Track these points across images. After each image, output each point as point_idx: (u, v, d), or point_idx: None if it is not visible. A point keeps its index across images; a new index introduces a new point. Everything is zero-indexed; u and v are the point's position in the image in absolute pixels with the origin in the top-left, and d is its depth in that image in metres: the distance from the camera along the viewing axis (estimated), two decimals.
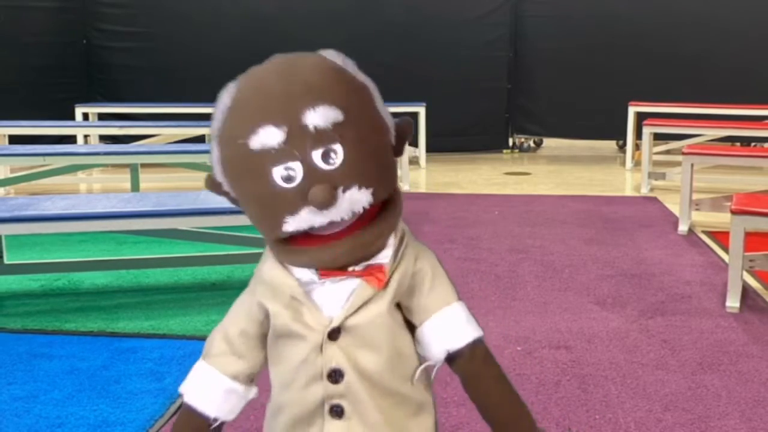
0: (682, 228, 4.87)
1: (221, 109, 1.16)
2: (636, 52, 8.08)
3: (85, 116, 7.66)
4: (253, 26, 8.29)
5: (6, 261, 3.69)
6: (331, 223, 1.09)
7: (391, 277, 1.17)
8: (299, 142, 1.06)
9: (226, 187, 1.17)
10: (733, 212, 3.42)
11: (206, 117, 8.34)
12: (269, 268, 1.20)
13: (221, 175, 1.17)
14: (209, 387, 1.24)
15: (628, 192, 6.52)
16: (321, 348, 1.17)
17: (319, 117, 1.06)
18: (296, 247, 1.13)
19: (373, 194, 1.10)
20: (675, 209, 5.30)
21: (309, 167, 1.07)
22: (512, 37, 8.47)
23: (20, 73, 7.85)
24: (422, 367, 1.22)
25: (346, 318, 1.16)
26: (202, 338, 3.25)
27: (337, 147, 1.07)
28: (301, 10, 8.32)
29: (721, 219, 4.66)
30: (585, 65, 8.27)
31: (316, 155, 1.07)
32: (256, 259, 4.08)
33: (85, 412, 2.49)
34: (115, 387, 2.67)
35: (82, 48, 8.51)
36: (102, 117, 7.86)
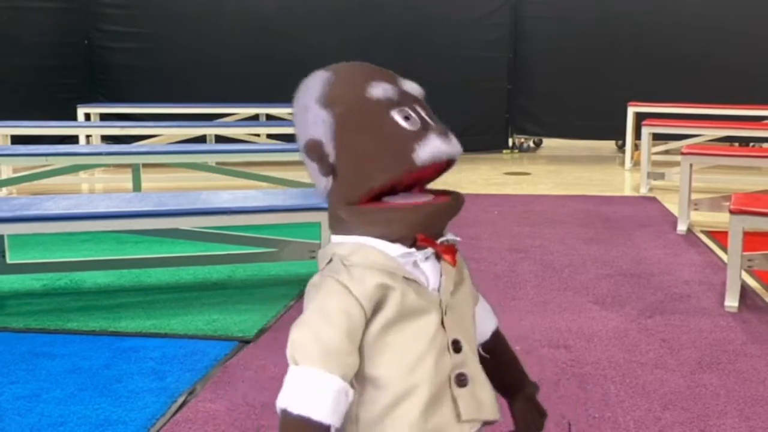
0: (681, 228, 4.88)
1: (321, 79, 1.21)
2: (635, 53, 8.11)
3: (87, 116, 7.68)
4: (253, 27, 8.31)
5: (8, 260, 3.69)
6: (450, 157, 1.18)
7: (461, 262, 1.27)
8: (407, 98, 1.20)
9: (327, 148, 1.19)
10: (732, 212, 3.43)
11: (208, 117, 8.39)
12: (368, 255, 1.18)
13: (325, 136, 1.19)
14: (320, 392, 1.13)
15: (628, 192, 6.54)
16: (442, 321, 1.21)
17: (414, 87, 1.23)
18: (401, 206, 1.18)
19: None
20: (674, 209, 5.31)
21: (420, 115, 1.19)
22: (512, 37, 8.49)
23: (22, 74, 7.86)
24: (478, 343, 1.34)
25: (451, 294, 1.23)
26: (204, 337, 3.26)
27: (428, 113, 1.21)
28: (302, 11, 8.34)
29: (720, 219, 4.66)
30: (584, 66, 8.28)
31: (420, 109, 1.20)
32: (257, 258, 4.05)
33: (87, 410, 2.49)
34: (116, 386, 2.67)
35: (84, 48, 8.53)
36: (104, 117, 7.87)
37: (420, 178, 1.22)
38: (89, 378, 2.74)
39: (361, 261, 1.17)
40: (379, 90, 1.18)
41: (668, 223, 5.14)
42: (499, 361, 1.39)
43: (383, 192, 1.19)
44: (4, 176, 6.33)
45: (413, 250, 1.19)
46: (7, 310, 3.53)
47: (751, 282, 3.81)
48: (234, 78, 8.24)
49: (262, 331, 3.18)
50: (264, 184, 5.84)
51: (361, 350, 1.17)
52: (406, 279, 1.18)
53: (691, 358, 2.90)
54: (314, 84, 1.21)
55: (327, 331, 1.15)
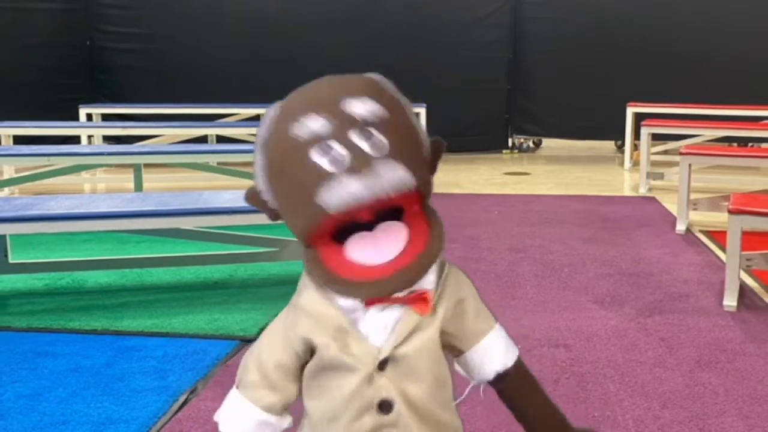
0: (680, 227, 4.89)
1: (269, 118, 1.15)
2: (634, 54, 8.11)
3: (89, 117, 7.69)
4: (255, 28, 8.32)
5: (11, 260, 3.69)
6: (372, 196, 1.05)
7: (437, 304, 1.18)
8: (340, 124, 1.08)
9: (266, 195, 1.16)
10: (731, 212, 3.44)
11: (209, 117, 8.40)
12: (310, 299, 1.17)
13: (263, 183, 1.16)
14: (243, 418, 1.23)
15: (627, 192, 6.54)
16: (371, 379, 1.15)
17: (361, 105, 1.09)
18: (349, 278, 1.09)
19: (417, 180, 1.09)
20: (673, 209, 5.31)
21: (348, 144, 1.06)
22: (512, 38, 8.50)
23: (25, 74, 7.87)
24: (469, 388, 1.27)
25: (395, 348, 1.15)
26: (205, 336, 3.27)
27: (377, 133, 1.08)
28: (303, 12, 8.34)
29: (719, 218, 4.66)
30: (584, 66, 8.29)
31: (355, 136, 1.07)
32: (258, 258, 4.05)
33: (89, 409, 2.49)
34: (118, 385, 2.67)
35: (86, 49, 8.54)
36: (105, 118, 7.88)
37: (364, 214, 1.09)
38: (91, 377, 2.74)
39: (302, 303, 1.18)
40: (302, 128, 1.08)
41: (667, 222, 5.15)
42: (516, 405, 1.30)
43: (331, 229, 1.09)
44: (6, 176, 6.34)
45: (359, 307, 1.14)
46: (10, 309, 3.54)
47: (750, 281, 3.81)
48: (235, 78, 8.24)
49: (263, 330, 3.17)
50: None
51: (303, 384, 1.21)
52: (340, 329, 1.15)
53: (690, 357, 2.90)
54: (261, 124, 1.16)
55: (264, 363, 1.21)
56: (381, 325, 1.15)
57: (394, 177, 1.06)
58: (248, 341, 3.07)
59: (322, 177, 1.05)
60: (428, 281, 1.17)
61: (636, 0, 8.23)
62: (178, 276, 3.95)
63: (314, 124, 1.08)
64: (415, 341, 1.16)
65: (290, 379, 1.20)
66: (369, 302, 1.13)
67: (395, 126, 1.12)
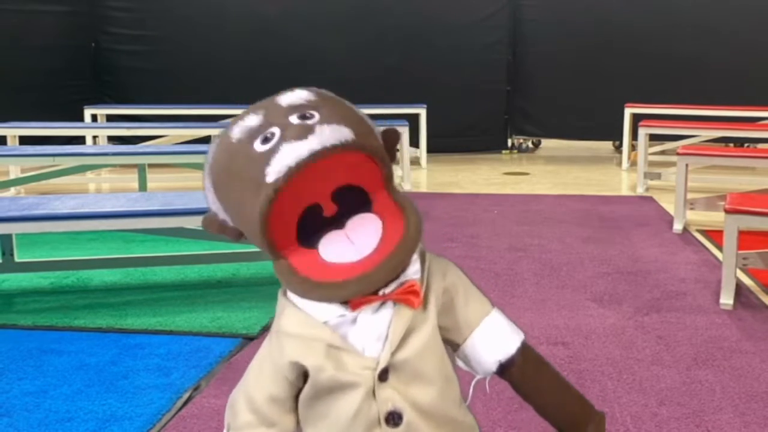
0: (677, 227, 4.90)
1: (212, 147, 1.11)
2: (632, 55, 8.14)
3: (94, 118, 7.71)
4: (257, 29, 8.34)
5: (17, 259, 3.70)
6: (313, 153, 0.98)
7: (426, 297, 1.10)
8: (276, 114, 1.04)
9: (222, 214, 1.10)
10: (727, 211, 3.45)
11: (212, 118, 8.45)
12: (292, 320, 1.09)
13: (215, 203, 1.10)
14: None
15: (625, 192, 6.55)
16: (373, 393, 1.07)
17: (295, 96, 1.07)
18: (330, 280, 1.00)
19: (356, 135, 1.01)
20: (670, 208, 5.33)
21: (287, 125, 1.02)
22: (511, 40, 8.52)
23: (31, 76, 7.89)
24: (474, 381, 1.18)
25: (393, 354, 1.07)
26: (208, 334, 3.28)
27: (312, 111, 1.04)
28: (305, 14, 8.35)
29: (715, 218, 4.67)
30: (582, 68, 8.32)
31: (293, 118, 1.03)
32: (259, 257, 4.06)
33: (93, 406, 2.49)
34: (123, 382, 2.67)
35: (90, 51, 8.58)
36: (110, 118, 7.90)
37: (321, 196, 1.01)
38: (96, 374, 2.75)
39: (284, 327, 1.10)
40: (239, 129, 1.04)
41: (664, 222, 5.16)
42: (531, 396, 1.20)
43: (291, 222, 1.02)
44: (12, 176, 6.37)
45: (348, 312, 1.06)
46: (16, 307, 3.55)
47: (746, 280, 3.83)
48: (238, 80, 8.26)
49: (265, 329, 3.17)
50: None
51: (299, 413, 1.13)
52: (331, 347, 1.06)
53: (687, 355, 2.91)
54: (210, 151, 1.11)
55: (255, 399, 1.11)
56: (373, 335, 1.07)
57: (332, 132, 1.00)
58: (251, 339, 3.10)
59: (266, 153, 0.99)
60: (413, 271, 1.09)
61: (634, 2, 8.25)
62: (182, 275, 3.96)
63: (252, 120, 1.04)
64: (414, 342, 1.08)
65: (285, 411, 1.11)
66: (356, 304, 1.04)
67: (333, 104, 1.07)
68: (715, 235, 4.61)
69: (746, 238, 3.71)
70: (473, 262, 4.19)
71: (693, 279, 3.90)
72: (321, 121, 1.00)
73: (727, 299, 3.46)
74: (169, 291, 3.74)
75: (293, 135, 0.98)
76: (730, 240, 3.46)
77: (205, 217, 1.12)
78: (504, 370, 1.17)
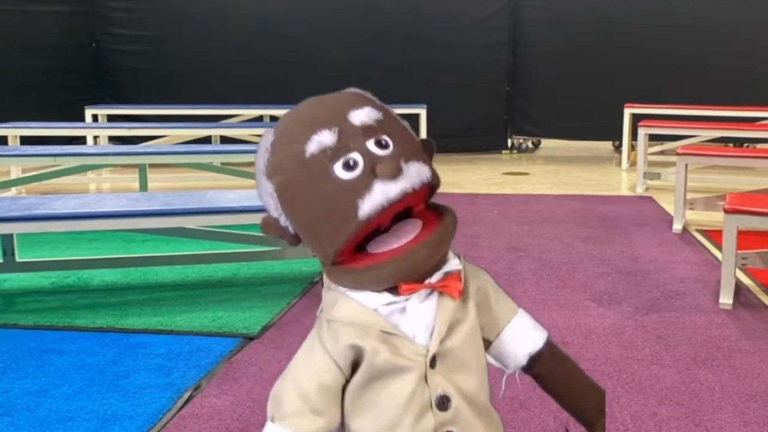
0: (677, 227, 4.91)
1: (265, 146, 1.15)
2: (631, 56, 8.15)
3: (95, 118, 7.72)
4: (257, 30, 8.36)
5: (18, 259, 3.70)
6: (405, 194, 1.08)
7: (466, 292, 1.18)
8: (352, 135, 1.10)
9: (282, 221, 1.15)
10: (726, 211, 3.45)
11: (213, 118, 8.45)
12: (346, 309, 1.14)
13: (276, 210, 1.15)
14: None
15: (624, 192, 6.56)
16: (425, 377, 1.13)
17: (364, 114, 1.12)
18: (374, 263, 1.10)
19: (431, 170, 1.14)
20: (669, 208, 5.34)
21: (367, 153, 1.08)
22: (511, 40, 8.53)
23: (32, 76, 7.90)
24: (505, 377, 1.26)
25: (441, 343, 1.13)
26: (209, 334, 3.28)
27: (386, 137, 1.11)
28: (306, 15, 8.37)
29: (715, 218, 4.68)
30: (582, 68, 8.32)
31: (370, 144, 1.09)
32: (261, 257, 4.07)
33: (94, 406, 2.50)
34: (123, 381, 2.68)
35: (91, 51, 8.59)
36: (111, 118, 7.91)
37: (394, 214, 1.11)
38: (97, 374, 2.75)
39: (338, 315, 1.14)
40: (314, 144, 1.09)
41: (664, 222, 5.17)
42: (552, 386, 1.30)
43: (359, 239, 1.10)
44: (13, 176, 6.37)
45: (398, 299, 1.12)
46: (17, 307, 3.55)
47: (745, 280, 3.83)
48: (238, 80, 8.28)
49: (266, 328, 3.20)
50: None
51: (344, 405, 1.15)
52: (385, 333, 1.12)
53: (687, 355, 2.91)
54: (260, 151, 1.16)
55: (304, 388, 1.13)
56: (422, 324, 1.13)
57: (418, 173, 1.10)
58: (251, 339, 3.10)
59: (356, 185, 1.07)
60: (454, 264, 1.17)
61: (634, 3, 8.26)
62: (183, 274, 3.97)
63: (327, 139, 1.09)
64: (459, 333, 1.15)
65: (333, 401, 1.14)
66: (405, 289, 1.11)
67: (396, 128, 1.14)
68: (714, 235, 4.61)
69: (746, 238, 3.72)
70: (473, 261, 4.14)
71: (692, 279, 3.90)
72: (402, 156, 1.09)
73: (726, 299, 3.46)
74: (170, 291, 3.74)
75: (385, 173, 1.06)
76: (729, 240, 3.46)
77: (264, 218, 1.17)
78: (533, 363, 1.26)
